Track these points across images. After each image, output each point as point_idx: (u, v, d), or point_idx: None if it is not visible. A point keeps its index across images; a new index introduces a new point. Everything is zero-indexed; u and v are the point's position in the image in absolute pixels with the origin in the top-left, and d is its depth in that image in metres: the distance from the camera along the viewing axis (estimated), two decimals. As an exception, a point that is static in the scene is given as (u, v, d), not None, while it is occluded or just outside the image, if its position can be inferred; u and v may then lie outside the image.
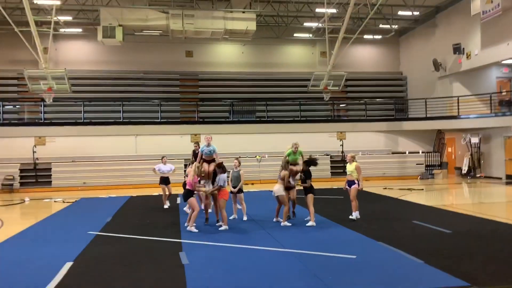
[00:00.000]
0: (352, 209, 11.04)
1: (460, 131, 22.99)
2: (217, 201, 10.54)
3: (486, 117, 20.72)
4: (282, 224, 10.41)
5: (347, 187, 11.17)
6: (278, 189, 10.47)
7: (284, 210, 10.51)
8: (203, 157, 11.27)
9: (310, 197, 10.44)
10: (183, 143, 21.51)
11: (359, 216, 11.04)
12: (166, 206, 13.61)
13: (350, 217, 10.96)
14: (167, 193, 13.76)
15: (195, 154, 12.99)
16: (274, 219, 10.92)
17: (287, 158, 10.95)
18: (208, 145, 11.34)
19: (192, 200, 9.99)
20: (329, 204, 13.73)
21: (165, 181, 13.72)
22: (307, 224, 10.32)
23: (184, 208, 12.26)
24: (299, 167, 10.90)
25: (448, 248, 8.15)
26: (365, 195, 15.67)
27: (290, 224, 10.49)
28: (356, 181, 10.94)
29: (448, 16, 23.66)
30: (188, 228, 9.94)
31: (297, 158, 11.23)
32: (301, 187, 10.64)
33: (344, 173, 11.30)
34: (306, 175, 10.52)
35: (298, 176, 10.90)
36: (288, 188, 10.64)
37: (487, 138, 21.87)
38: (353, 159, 11.12)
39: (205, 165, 11.08)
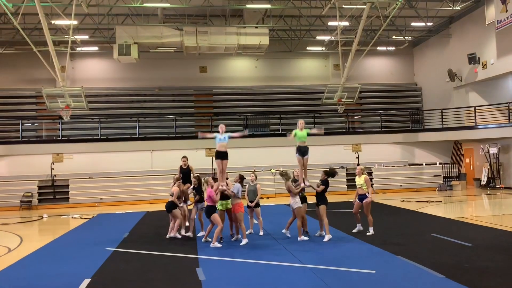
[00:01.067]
0: (368, 224, 10.88)
1: (478, 141, 22.66)
2: (233, 216, 10.49)
3: (504, 126, 20.36)
4: (299, 239, 10.30)
5: (357, 200, 11.05)
6: (294, 201, 10.37)
7: (297, 224, 10.40)
8: (217, 148, 10.77)
9: (322, 209, 10.34)
10: (198, 158, 21.59)
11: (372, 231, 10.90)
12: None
13: (367, 233, 10.78)
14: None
15: (182, 170, 12.24)
16: (283, 230, 10.83)
17: (285, 173, 10.80)
18: (222, 134, 10.93)
19: (215, 216, 9.99)
20: (345, 217, 13.54)
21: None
22: (324, 239, 10.19)
23: (199, 234, 11.49)
24: (302, 185, 10.62)
25: (470, 262, 7.98)
26: (383, 208, 15.50)
27: (307, 238, 10.40)
28: (367, 194, 10.78)
29: (462, 26, 23.51)
30: (212, 244, 9.88)
31: (305, 136, 10.73)
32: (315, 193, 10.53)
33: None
34: (325, 184, 10.46)
35: (315, 185, 10.63)
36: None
37: (505, 148, 21.49)
38: (362, 172, 10.96)
39: (220, 186, 10.38)
